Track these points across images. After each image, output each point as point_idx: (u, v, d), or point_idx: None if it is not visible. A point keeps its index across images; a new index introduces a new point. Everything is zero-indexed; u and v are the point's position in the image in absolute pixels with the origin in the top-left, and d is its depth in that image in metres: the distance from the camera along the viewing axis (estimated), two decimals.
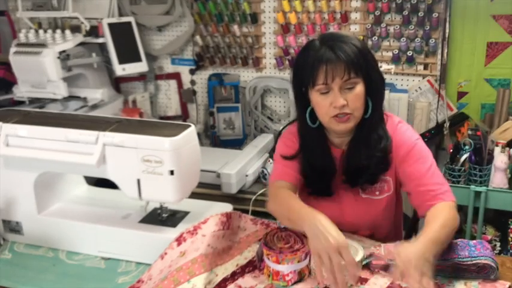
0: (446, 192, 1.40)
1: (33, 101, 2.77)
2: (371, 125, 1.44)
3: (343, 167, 1.49)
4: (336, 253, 1.16)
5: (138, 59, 2.90)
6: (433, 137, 2.67)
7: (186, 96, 3.18)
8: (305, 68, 1.38)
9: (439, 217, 1.31)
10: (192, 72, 3.12)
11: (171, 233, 1.45)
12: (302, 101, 1.46)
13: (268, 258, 1.29)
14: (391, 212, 1.55)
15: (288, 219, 1.35)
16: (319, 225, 1.20)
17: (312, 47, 1.39)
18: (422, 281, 1.11)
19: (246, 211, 1.59)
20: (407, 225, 1.87)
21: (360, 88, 1.37)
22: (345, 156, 1.49)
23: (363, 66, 1.36)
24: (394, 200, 1.53)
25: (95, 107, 2.83)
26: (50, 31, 2.75)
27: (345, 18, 2.66)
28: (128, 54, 2.86)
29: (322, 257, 1.17)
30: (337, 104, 1.35)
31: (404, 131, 1.49)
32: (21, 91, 2.74)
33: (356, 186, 1.49)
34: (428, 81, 2.65)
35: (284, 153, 1.53)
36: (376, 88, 1.42)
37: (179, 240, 1.39)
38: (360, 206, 1.51)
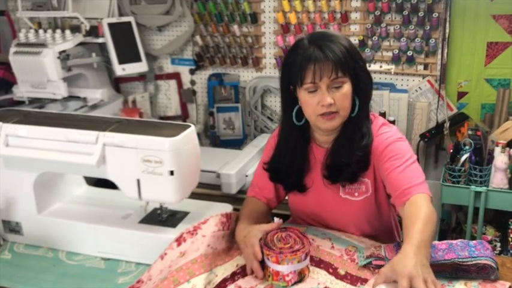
0: (418, 185, 1.34)
1: (33, 101, 2.77)
2: (356, 123, 1.45)
3: (325, 163, 1.50)
4: (248, 248, 1.34)
5: (138, 59, 2.90)
6: (433, 137, 2.67)
7: (186, 96, 3.18)
8: (294, 67, 1.40)
9: (419, 216, 1.25)
10: (192, 72, 3.12)
11: (171, 234, 1.45)
12: (289, 99, 1.48)
13: (268, 259, 1.29)
14: (372, 213, 1.54)
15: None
16: (241, 239, 1.39)
17: (301, 46, 1.40)
18: (429, 285, 1.10)
19: None
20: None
21: (347, 87, 1.39)
22: (328, 153, 1.50)
23: (351, 66, 1.38)
24: (372, 201, 1.52)
25: (94, 107, 2.83)
26: (49, 31, 2.75)
27: (345, 18, 2.66)
28: (128, 54, 2.85)
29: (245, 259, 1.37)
30: (324, 102, 1.37)
31: (385, 132, 1.47)
32: (21, 91, 2.74)
33: (336, 183, 1.50)
34: (428, 81, 2.65)
35: (264, 161, 1.61)
36: (363, 88, 1.43)
37: (179, 240, 1.38)
38: (339, 206, 1.53)
